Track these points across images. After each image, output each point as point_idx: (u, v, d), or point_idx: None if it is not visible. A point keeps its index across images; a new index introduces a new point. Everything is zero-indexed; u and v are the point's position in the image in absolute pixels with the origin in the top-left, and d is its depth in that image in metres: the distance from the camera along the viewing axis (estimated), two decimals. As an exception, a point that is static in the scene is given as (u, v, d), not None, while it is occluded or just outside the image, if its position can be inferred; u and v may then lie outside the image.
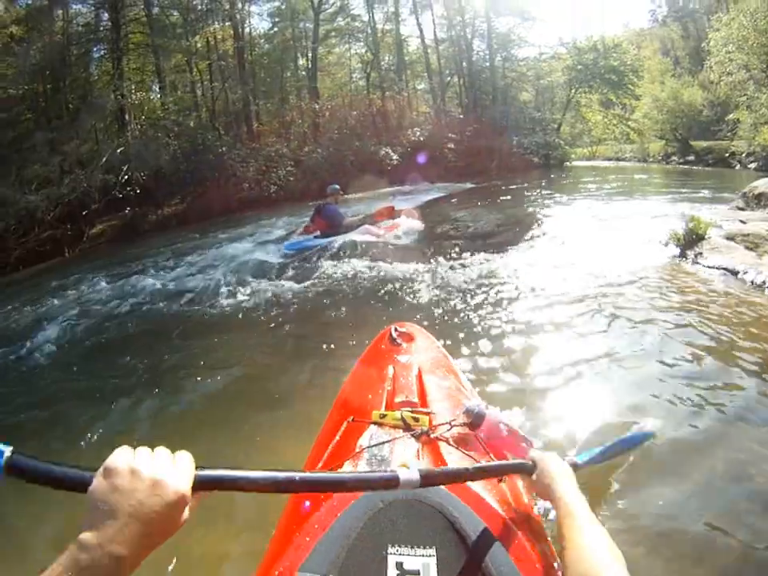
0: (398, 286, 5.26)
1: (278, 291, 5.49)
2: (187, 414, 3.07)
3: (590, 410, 2.50)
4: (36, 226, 11.56)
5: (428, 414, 1.37)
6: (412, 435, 1.28)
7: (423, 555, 0.83)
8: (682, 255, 5.05)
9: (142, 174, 13.06)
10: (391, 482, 0.77)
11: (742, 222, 5.64)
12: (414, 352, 1.87)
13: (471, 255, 6.16)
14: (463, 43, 21.57)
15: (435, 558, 0.83)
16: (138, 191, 12.97)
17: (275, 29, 18.80)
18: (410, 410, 1.38)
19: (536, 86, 23.99)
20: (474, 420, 1.32)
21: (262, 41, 18.28)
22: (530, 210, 9.57)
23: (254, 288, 5.65)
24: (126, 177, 13.04)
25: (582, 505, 0.89)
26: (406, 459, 1.17)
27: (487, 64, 22.23)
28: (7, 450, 0.57)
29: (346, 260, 6.54)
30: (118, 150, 13.47)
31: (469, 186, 15.16)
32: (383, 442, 1.27)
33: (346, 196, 8.48)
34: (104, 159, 13.12)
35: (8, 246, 10.81)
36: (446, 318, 4.04)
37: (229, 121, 15.79)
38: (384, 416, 1.37)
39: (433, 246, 7.15)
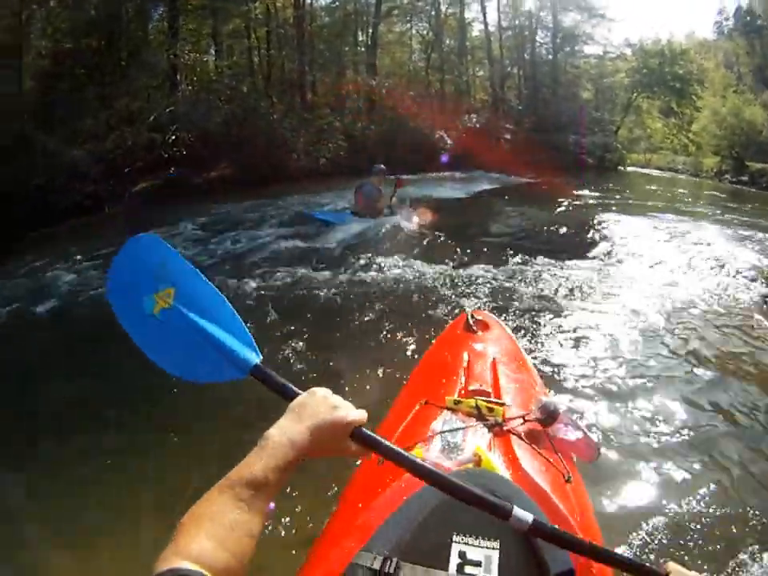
0: (431, 286, 4.67)
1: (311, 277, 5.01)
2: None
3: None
4: (79, 181, 10.90)
5: (502, 405, 1.34)
6: (485, 425, 1.25)
7: (487, 547, 0.80)
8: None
9: (190, 135, 12.25)
10: (499, 513, 0.70)
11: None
12: (488, 340, 1.81)
13: (517, 258, 5.53)
14: (527, 33, 20.10)
15: (498, 551, 0.79)
16: (185, 152, 12.14)
17: (336, 2, 17.70)
18: (485, 399, 1.34)
19: (597, 84, 22.39)
20: (548, 417, 1.24)
21: (323, 13, 17.17)
22: (591, 216, 8.67)
23: (288, 272, 5.12)
24: (174, 137, 12.24)
25: None
26: (478, 448, 1.13)
27: (550, 57, 20.71)
28: (257, 359, 0.77)
29: (383, 249, 6.03)
30: (167, 110, 12.67)
31: (523, 179, 14.20)
32: (456, 429, 1.24)
33: (395, 177, 7.70)
34: (151, 118, 12.43)
35: (53, 199, 10.16)
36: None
37: (283, 90, 14.81)
38: (458, 402, 1.33)
39: (471, 242, 6.50)
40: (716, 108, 23.71)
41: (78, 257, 6.12)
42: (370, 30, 17.14)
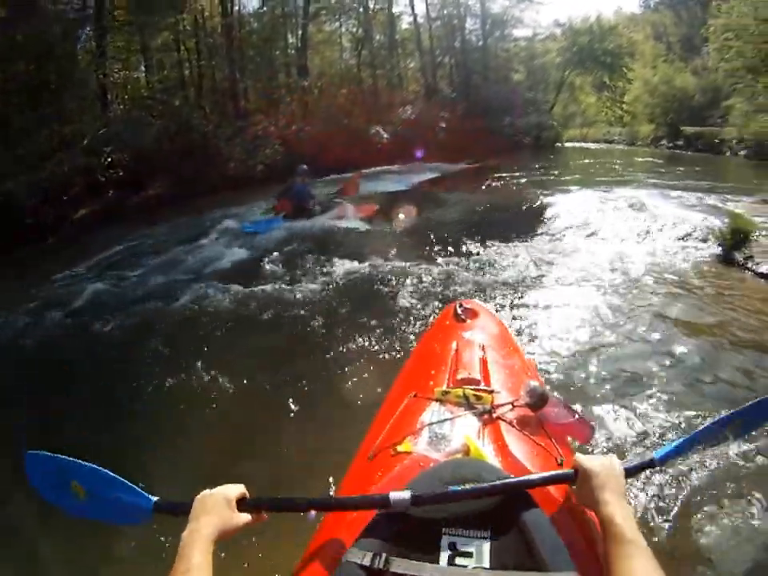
0: (384, 280, 4.58)
1: (243, 289, 4.78)
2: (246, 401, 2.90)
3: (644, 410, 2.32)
4: (18, 213, 10.70)
5: (490, 392, 1.33)
6: (474, 413, 1.25)
7: (477, 537, 0.80)
8: (727, 258, 4.39)
9: (125, 155, 12.13)
10: (378, 504, 0.84)
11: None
12: (477, 328, 1.80)
13: (475, 244, 5.49)
14: (456, 22, 20.34)
15: (489, 540, 0.79)
16: (121, 173, 11.98)
17: (264, 7, 17.61)
18: (473, 387, 1.34)
19: (529, 66, 22.86)
20: (537, 401, 1.24)
21: (251, 18, 17.05)
22: (533, 194, 8.81)
23: (229, 286, 4.89)
24: (110, 159, 12.08)
25: (629, 524, 0.77)
26: (467, 437, 1.14)
27: (480, 43, 21.01)
28: (151, 502, 0.96)
29: (327, 249, 5.82)
30: (100, 131, 12.49)
31: (461, 166, 14.41)
32: (445, 420, 1.24)
33: (337, 176, 8.13)
34: (85, 141, 12.25)
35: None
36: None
37: (215, 99, 14.74)
38: (446, 393, 1.33)
39: (425, 232, 6.38)
40: (647, 78, 24.42)
41: (27, 292, 5.83)
42: (299, 32, 17.09)
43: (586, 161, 16.84)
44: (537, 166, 14.45)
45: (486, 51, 21.03)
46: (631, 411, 2.35)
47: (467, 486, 0.84)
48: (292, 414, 2.70)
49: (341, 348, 3.38)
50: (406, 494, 0.83)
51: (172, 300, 4.68)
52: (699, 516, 1.78)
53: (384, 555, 0.78)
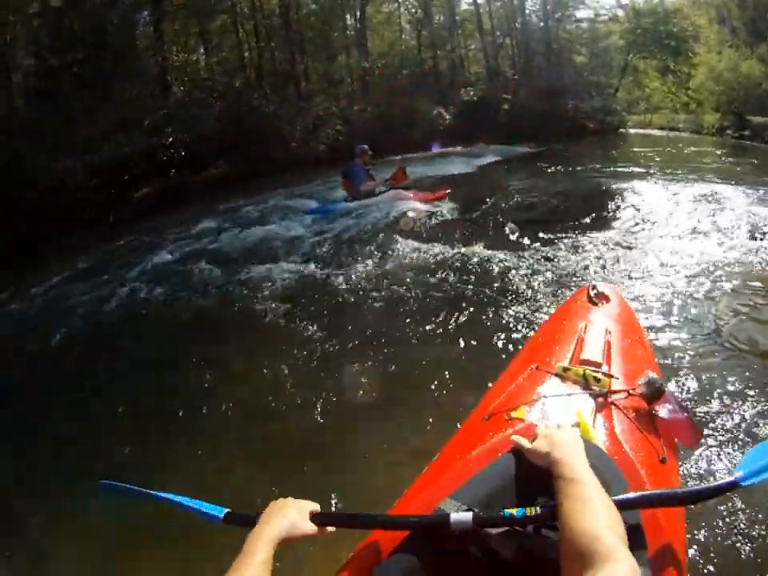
0: (440, 271, 4.20)
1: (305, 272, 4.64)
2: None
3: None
4: (75, 192, 10.61)
5: (609, 376, 1.30)
6: (590, 394, 1.23)
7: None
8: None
9: (186, 136, 11.92)
10: (439, 524, 0.79)
11: None
12: (606, 313, 1.77)
13: (546, 237, 4.97)
14: (516, 2, 19.37)
15: None
16: (183, 153, 11.82)
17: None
18: (593, 369, 1.31)
19: (592, 48, 21.60)
20: (653, 393, 1.20)
21: (309, 0, 16.59)
22: (604, 182, 8.17)
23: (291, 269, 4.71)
24: (171, 140, 11.92)
25: (589, 474, 0.74)
26: (579, 414, 1.12)
27: (541, 24, 19.96)
28: (224, 511, 0.96)
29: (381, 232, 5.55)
30: (162, 113, 12.31)
31: (525, 149, 13.57)
32: (561, 395, 1.24)
33: (398, 157, 7.56)
34: (146, 123, 12.10)
35: (56, 213, 9.85)
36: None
37: (276, 81, 14.34)
38: (567, 370, 1.33)
39: (490, 221, 5.92)
40: (712, 64, 23.00)
41: (91, 270, 5.81)
42: (358, 13, 16.60)
43: (653, 148, 15.80)
44: (602, 151, 13.77)
45: (547, 32, 19.90)
46: (740, 418, 2.08)
47: (537, 510, 0.76)
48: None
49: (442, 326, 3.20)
50: (467, 516, 0.77)
51: (234, 285, 4.50)
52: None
53: (476, 511, 0.79)
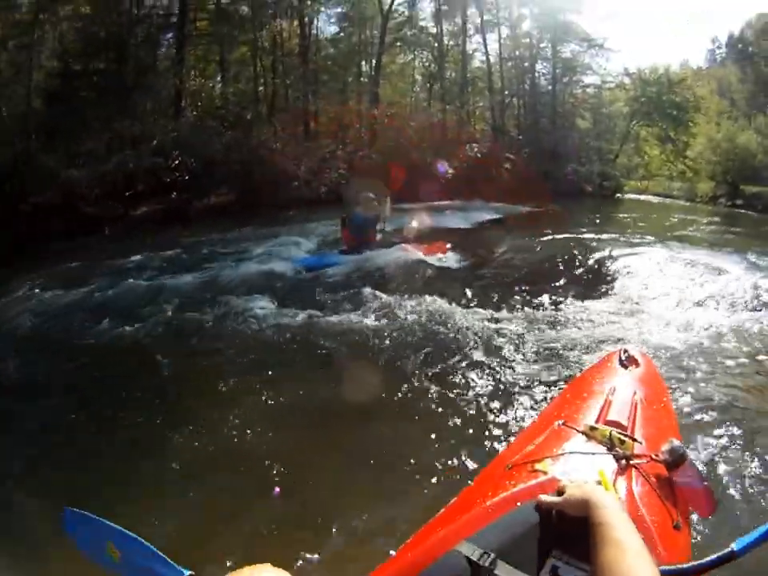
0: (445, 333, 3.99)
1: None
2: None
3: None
4: (80, 201, 10.64)
5: (633, 439, 1.30)
6: (614, 455, 1.24)
7: (578, 568, 0.81)
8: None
9: (192, 160, 11.96)
10: None
11: None
12: (635, 377, 1.79)
13: (550, 298, 4.92)
14: (527, 64, 19.92)
15: (587, 574, 0.79)
16: (187, 177, 11.89)
17: (341, 33, 17.57)
18: (619, 431, 1.31)
19: (596, 114, 22.17)
20: (675, 460, 1.21)
21: (328, 44, 17.01)
22: (599, 246, 7.91)
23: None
24: (176, 162, 11.98)
25: (618, 524, 0.73)
26: (601, 473, 1.11)
27: (549, 87, 20.50)
28: (187, 573, 0.84)
29: (379, 286, 5.19)
30: (171, 135, 12.42)
31: (524, 208, 13.69)
32: (585, 453, 1.25)
33: (396, 205, 7.10)
34: (154, 142, 12.19)
35: (53, 218, 9.86)
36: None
37: (287, 118, 14.56)
38: (593, 429, 1.33)
39: (492, 280, 5.82)
40: (711, 134, 23.55)
41: (76, 278, 5.79)
42: (374, 61, 16.99)
43: (648, 215, 16.08)
44: (599, 215, 13.84)
45: (554, 95, 20.48)
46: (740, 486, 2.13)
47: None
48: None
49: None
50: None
51: (201, 327, 4.27)
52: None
53: (492, 556, 0.82)
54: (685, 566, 0.88)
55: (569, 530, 0.82)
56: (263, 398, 3.01)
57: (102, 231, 10.35)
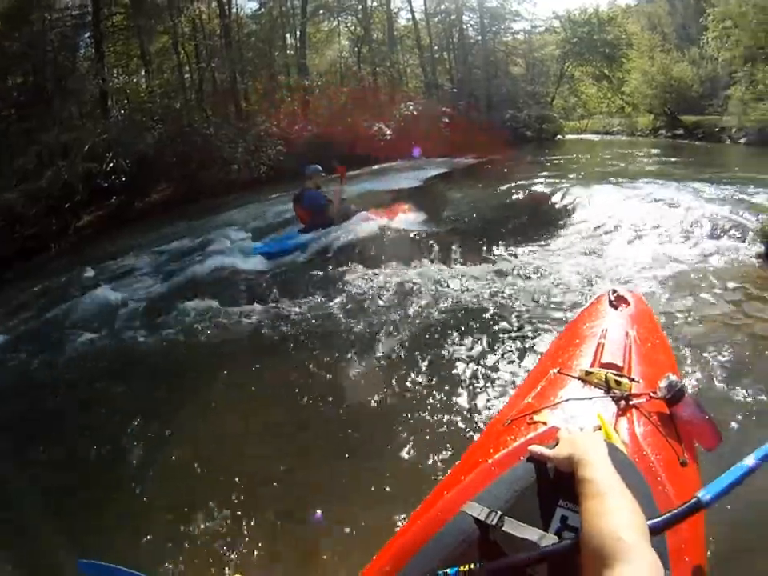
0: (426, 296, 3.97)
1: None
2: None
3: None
4: (19, 224, 10.26)
5: (630, 379, 1.31)
6: (611, 398, 1.24)
7: None
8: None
9: (126, 161, 11.57)
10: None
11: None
12: (627, 316, 1.78)
13: (517, 247, 5.01)
14: (454, 17, 19.74)
15: None
16: (124, 179, 11.55)
17: (262, 9, 17.08)
18: (615, 372, 1.32)
19: (528, 59, 22.21)
20: (673, 396, 1.20)
21: (250, 20, 16.54)
22: (548, 189, 8.11)
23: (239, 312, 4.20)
24: (111, 165, 11.62)
25: (611, 475, 0.74)
26: (600, 417, 1.12)
27: (479, 38, 20.38)
28: None
29: (350, 261, 5.02)
30: (101, 137, 12.01)
31: (468, 160, 13.83)
32: (583, 398, 1.26)
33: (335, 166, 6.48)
34: (86, 147, 11.77)
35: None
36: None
37: (216, 102, 14.23)
38: (589, 373, 1.33)
39: (456, 235, 5.74)
40: (645, 68, 23.78)
41: (26, 304, 5.57)
42: (298, 32, 16.60)
43: (590, 153, 16.34)
44: (542, 159, 13.92)
45: (484, 46, 20.39)
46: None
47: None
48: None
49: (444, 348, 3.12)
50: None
51: (169, 327, 4.10)
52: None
53: (499, 513, 0.81)
54: (650, 522, 0.80)
55: (570, 480, 0.82)
56: (242, 401, 2.97)
57: (47, 251, 10.05)
